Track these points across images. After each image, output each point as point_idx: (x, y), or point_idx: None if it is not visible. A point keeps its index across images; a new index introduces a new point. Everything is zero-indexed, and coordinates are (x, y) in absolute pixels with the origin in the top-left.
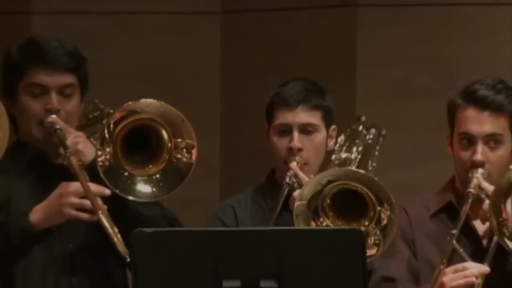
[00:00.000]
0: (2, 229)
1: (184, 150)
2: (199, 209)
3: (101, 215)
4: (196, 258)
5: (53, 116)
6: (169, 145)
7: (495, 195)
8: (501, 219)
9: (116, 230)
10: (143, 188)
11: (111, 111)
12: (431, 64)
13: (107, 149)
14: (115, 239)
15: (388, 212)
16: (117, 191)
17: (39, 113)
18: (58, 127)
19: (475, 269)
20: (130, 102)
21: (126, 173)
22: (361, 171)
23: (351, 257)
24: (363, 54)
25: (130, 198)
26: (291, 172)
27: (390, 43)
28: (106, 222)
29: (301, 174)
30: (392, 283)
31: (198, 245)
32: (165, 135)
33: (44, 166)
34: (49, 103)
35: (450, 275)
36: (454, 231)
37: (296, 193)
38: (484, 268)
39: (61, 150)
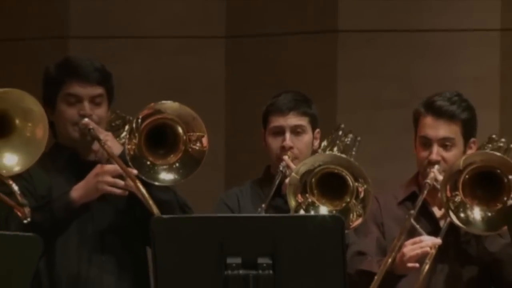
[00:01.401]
0: (46, 208)
1: (197, 141)
2: (207, 199)
3: (138, 183)
4: (205, 239)
5: (86, 119)
6: (184, 138)
7: (446, 178)
8: (449, 196)
9: (148, 196)
10: (166, 175)
11: (131, 118)
12: (398, 79)
13: (134, 140)
14: (150, 202)
15: (364, 186)
16: (143, 177)
17: (75, 118)
18: (91, 127)
19: (430, 241)
20: (156, 103)
21: (148, 162)
22: (341, 155)
23: (333, 238)
24: (342, 71)
25: (156, 183)
26: (284, 163)
27: (365, 62)
28: (142, 189)
29: (292, 165)
30: (364, 256)
31: (206, 229)
32: (180, 130)
33: (78, 164)
34: (82, 109)
35: (409, 247)
36: (412, 211)
37: (288, 180)
38: (437, 240)
39: (95, 145)
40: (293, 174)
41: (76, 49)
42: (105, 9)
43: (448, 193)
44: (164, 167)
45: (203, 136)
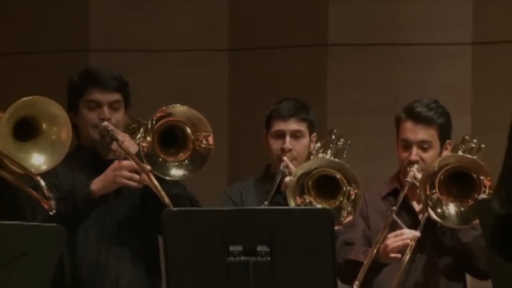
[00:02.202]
0: (69, 199)
1: (204, 140)
2: (212, 194)
3: (152, 177)
4: (209, 229)
5: (106, 122)
6: (192, 137)
7: (423, 178)
8: (427, 193)
9: (161, 188)
10: (176, 171)
11: (145, 121)
12: (381, 88)
13: (148, 138)
14: (162, 193)
15: (355, 190)
16: (155, 172)
17: (95, 121)
18: (110, 129)
19: (410, 234)
20: (167, 106)
21: (160, 159)
22: (337, 160)
23: (323, 229)
24: (332, 81)
25: (167, 178)
26: (284, 163)
27: (352, 72)
28: (155, 181)
29: (291, 165)
30: (351, 246)
31: (211, 220)
32: (189, 131)
33: (98, 162)
34: (102, 114)
35: (392, 239)
36: (394, 208)
37: (287, 179)
38: (416, 233)
39: (114, 145)
40: (291, 177)
41: (95, 61)
42: (122, 25)
43: (427, 192)
44: (175, 163)
45: (209, 135)
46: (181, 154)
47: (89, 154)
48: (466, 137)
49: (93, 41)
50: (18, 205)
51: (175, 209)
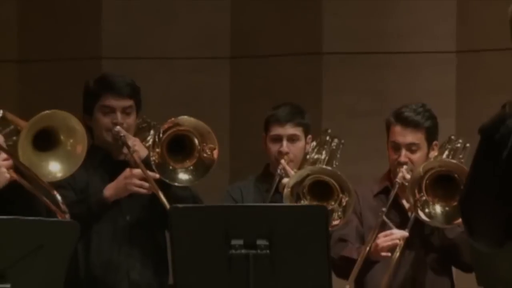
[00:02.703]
0: (84, 202)
1: (209, 151)
2: (214, 193)
3: (156, 186)
4: (213, 225)
5: (118, 127)
6: (199, 147)
7: (411, 183)
8: (416, 197)
9: (163, 196)
10: (183, 176)
11: (155, 123)
12: (372, 93)
13: (157, 150)
14: (164, 200)
15: (347, 198)
16: (166, 180)
17: (109, 125)
18: (122, 134)
19: (399, 234)
20: (175, 118)
21: (170, 167)
22: (330, 168)
23: (319, 224)
24: (326, 86)
25: (175, 184)
26: (281, 166)
27: (344, 79)
28: (160, 194)
29: (287, 168)
30: (345, 242)
31: (214, 216)
32: (196, 141)
33: (111, 162)
34: (115, 118)
35: (382, 238)
36: (384, 209)
37: (285, 180)
38: (405, 233)
39: (125, 150)
40: (286, 189)
41: (107, 68)
42: (132, 34)
43: (416, 196)
44: (182, 170)
45: (214, 149)
46: (187, 161)
47: (102, 155)
48: (452, 137)
49: (105, 49)
50: (36, 208)
51: (181, 205)
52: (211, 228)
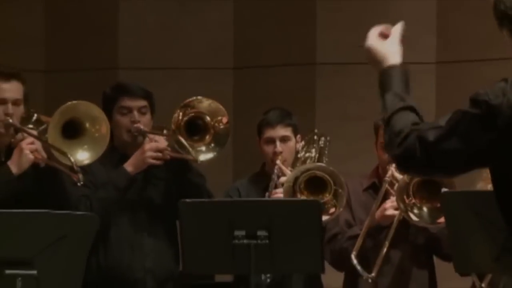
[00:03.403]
0: (108, 184)
1: (221, 123)
2: (219, 189)
3: (172, 152)
4: (218, 217)
5: (137, 124)
6: (212, 123)
7: (398, 191)
8: (406, 203)
9: (186, 147)
10: (206, 155)
11: (165, 125)
12: (361, 99)
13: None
14: (189, 150)
15: (340, 190)
16: (195, 158)
17: (128, 124)
18: (142, 127)
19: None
20: (189, 99)
21: (195, 148)
22: (325, 165)
23: (312, 216)
24: (319, 93)
25: (201, 158)
26: (277, 166)
27: (336, 86)
28: (179, 155)
29: (283, 168)
30: (336, 238)
31: (219, 210)
32: (208, 118)
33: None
34: (133, 117)
35: (389, 204)
36: (387, 178)
37: (282, 179)
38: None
39: (146, 140)
40: (285, 185)
41: (123, 77)
42: (145, 47)
43: (405, 201)
44: (202, 148)
45: (224, 116)
46: (206, 138)
47: (120, 155)
48: None
49: (121, 60)
50: (69, 202)
51: (189, 200)
52: (217, 220)
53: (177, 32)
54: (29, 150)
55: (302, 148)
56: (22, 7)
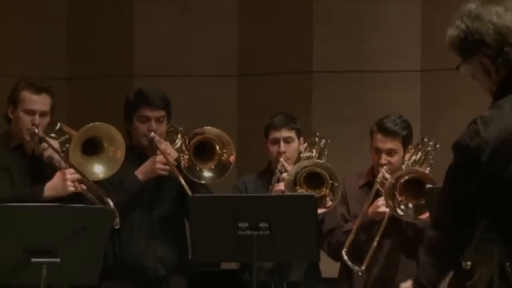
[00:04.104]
0: (120, 190)
1: (226, 155)
2: (225, 186)
3: (175, 171)
4: (223, 211)
5: (153, 133)
6: (219, 152)
7: (386, 190)
8: (394, 199)
9: (184, 183)
10: (207, 174)
11: (181, 128)
12: (354, 104)
13: (185, 156)
14: (183, 183)
15: (336, 184)
16: (194, 179)
17: (145, 131)
18: (156, 139)
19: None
20: (200, 129)
21: (197, 168)
22: (322, 161)
23: (308, 210)
24: (316, 99)
25: (202, 182)
26: (281, 163)
27: (331, 93)
28: (181, 178)
29: (286, 164)
30: (333, 232)
31: (224, 204)
32: (217, 147)
33: (144, 160)
34: (150, 126)
35: (380, 201)
36: (365, 205)
37: (284, 174)
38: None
39: (158, 152)
40: (287, 177)
41: (139, 84)
42: (159, 56)
43: (394, 199)
44: (206, 169)
45: (232, 155)
46: (209, 162)
47: (137, 153)
48: (425, 139)
49: (137, 68)
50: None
51: (198, 195)
52: (222, 213)
53: (187, 42)
54: (71, 181)
55: (305, 149)
56: (47, 22)
